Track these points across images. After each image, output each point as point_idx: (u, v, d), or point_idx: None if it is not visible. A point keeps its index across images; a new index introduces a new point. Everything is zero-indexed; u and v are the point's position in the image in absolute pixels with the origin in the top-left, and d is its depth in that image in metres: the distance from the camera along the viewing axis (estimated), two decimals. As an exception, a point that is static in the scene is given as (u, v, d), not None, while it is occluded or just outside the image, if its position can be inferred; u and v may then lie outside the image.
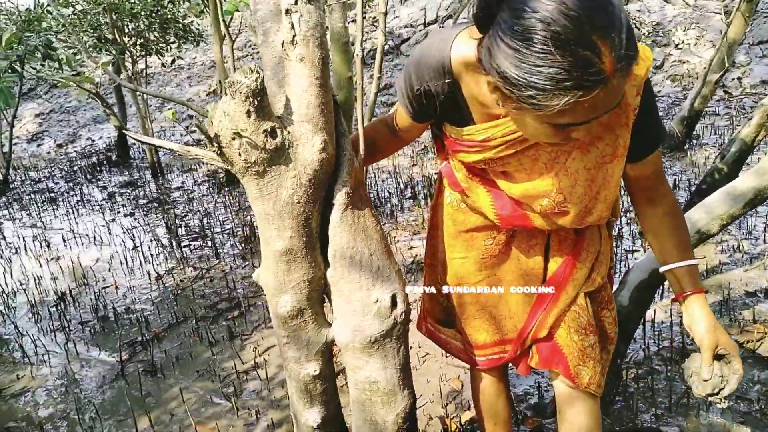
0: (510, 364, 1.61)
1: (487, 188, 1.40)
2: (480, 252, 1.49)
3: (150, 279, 4.02)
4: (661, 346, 2.52)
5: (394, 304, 1.42)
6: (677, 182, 4.45)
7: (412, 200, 4.99)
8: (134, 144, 8.96)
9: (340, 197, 1.39)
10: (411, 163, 6.21)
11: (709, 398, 1.26)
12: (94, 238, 5.07)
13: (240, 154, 1.29)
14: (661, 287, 2.80)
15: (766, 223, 3.58)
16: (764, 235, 3.42)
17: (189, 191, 6.43)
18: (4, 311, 3.71)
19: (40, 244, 5.08)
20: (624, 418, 2.12)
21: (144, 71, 7.33)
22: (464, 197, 1.46)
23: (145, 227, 5.27)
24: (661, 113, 6.51)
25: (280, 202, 1.34)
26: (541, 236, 1.44)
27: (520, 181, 1.31)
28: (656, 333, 2.61)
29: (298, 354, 1.48)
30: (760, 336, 2.47)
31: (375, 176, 5.87)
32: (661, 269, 1.33)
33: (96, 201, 6.50)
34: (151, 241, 4.87)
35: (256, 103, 1.24)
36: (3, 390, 2.81)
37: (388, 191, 5.31)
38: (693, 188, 3.67)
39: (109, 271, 4.25)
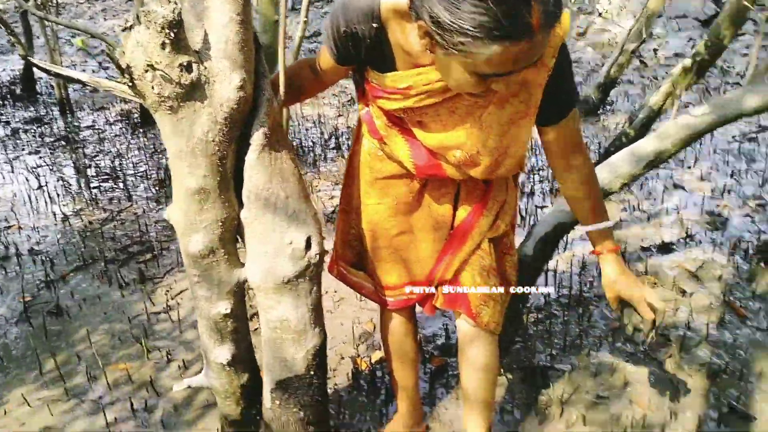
0: (418, 306, 1.69)
1: (404, 137, 1.43)
2: (394, 199, 1.53)
3: (56, 220, 3.83)
4: (560, 294, 2.70)
5: (308, 246, 1.44)
6: (589, 144, 4.68)
7: (335, 150, 4.98)
8: (41, 78, 8.32)
9: (257, 137, 1.38)
10: (337, 113, 6.16)
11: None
12: (-6, 175, 4.74)
13: (153, 88, 1.25)
14: (564, 239, 2.98)
15: (665, 186, 3.84)
16: (662, 196, 3.68)
17: (100, 131, 6.09)
18: None
19: (-68, 179, 4.70)
20: (522, 358, 2.28)
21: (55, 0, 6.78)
22: (382, 145, 1.49)
23: (51, 167, 4.98)
24: (580, 79, 6.77)
25: (194, 139, 1.32)
26: (452, 185, 1.50)
27: (436, 132, 1.35)
28: (557, 281, 2.79)
29: (209, 293, 1.49)
30: (651, 285, 2.69)
31: (299, 125, 5.79)
32: (582, 228, 1.47)
33: (-4, 136, 6.05)
34: (58, 181, 4.61)
35: (172, 35, 1.20)
36: None
37: (312, 141, 5.26)
38: (602, 151, 3.88)
39: (12, 210, 4.01)
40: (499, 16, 0.90)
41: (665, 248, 3.06)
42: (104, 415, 2.08)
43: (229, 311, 1.50)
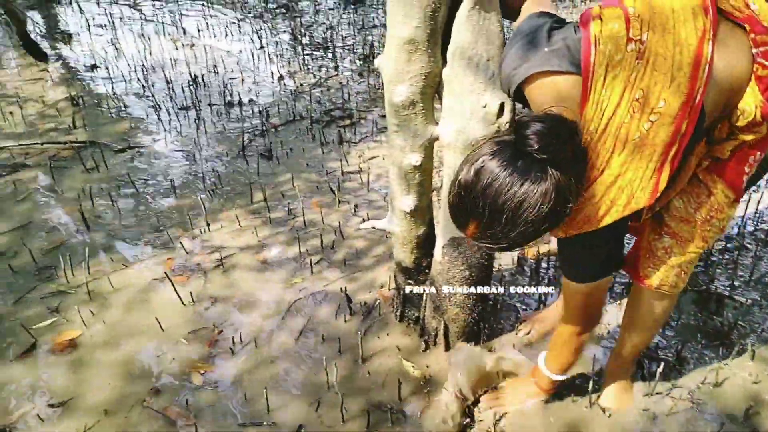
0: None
1: None
2: None
3: (272, 78, 4.23)
4: (758, 227, 2.44)
5: (500, 113, 1.47)
6: None
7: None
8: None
9: (470, -5, 1.40)
10: None
11: None
12: (225, 32, 5.30)
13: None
14: None
15: None
16: None
17: (316, 2, 6.42)
18: (144, 85, 4.10)
19: (176, 28, 5.39)
20: (699, 281, 2.15)
21: None
22: None
23: (272, 30, 5.42)
24: None
25: (412, -12, 1.37)
26: None
27: None
28: (756, 216, 2.52)
29: (403, 143, 1.60)
30: None
31: None
32: None
33: (229, -1, 6.67)
34: (276, 44, 5.03)
35: None
36: (143, 147, 3.21)
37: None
38: None
39: (237, 64, 4.50)
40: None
41: None
42: (298, 243, 2.39)
43: (419, 163, 1.61)
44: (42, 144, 3.23)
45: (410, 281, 1.88)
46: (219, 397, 1.72)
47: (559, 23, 1.26)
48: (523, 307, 2.06)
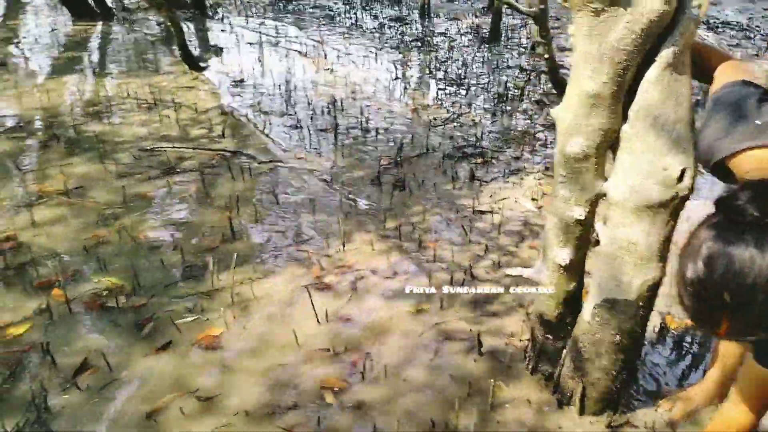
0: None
1: None
2: None
3: (407, 109, 4.33)
4: None
5: (681, 178, 1.41)
6: None
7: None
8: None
9: (665, 55, 1.36)
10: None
11: None
12: (363, 60, 5.50)
13: (585, -11, 1.31)
14: None
15: None
16: None
17: (451, 39, 6.54)
18: (287, 103, 4.33)
19: (318, 53, 5.66)
20: None
21: None
22: None
23: (407, 62, 5.57)
24: None
25: (606, 44, 1.36)
26: None
27: None
28: None
29: (569, 195, 1.57)
30: None
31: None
32: None
33: (368, 28, 6.94)
34: (411, 76, 5.16)
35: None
36: (285, 163, 3.38)
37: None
38: None
39: (373, 92, 4.65)
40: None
41: None
42: (429, 276, 2.40)
43: (583, 217, 1.57)
44: (194, 149, 3.48)
45: (549, 336, 1.83)
46: (350, 422, 1.74)
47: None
48: (666, 382, 1.94)
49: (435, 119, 4.15)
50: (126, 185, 3.01)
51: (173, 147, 3.48)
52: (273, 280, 2.36)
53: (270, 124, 3.95)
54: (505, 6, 4.98)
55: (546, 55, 4.20)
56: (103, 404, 1.76)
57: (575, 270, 1.70)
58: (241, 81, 4.83)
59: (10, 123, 3.82)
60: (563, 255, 1.65)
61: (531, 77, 5.20)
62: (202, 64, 5.11)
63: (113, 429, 1.69)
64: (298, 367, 1.93)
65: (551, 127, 3.92)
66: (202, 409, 1.76)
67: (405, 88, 4.78)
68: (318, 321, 2.12)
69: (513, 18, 7.46)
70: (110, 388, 1.82)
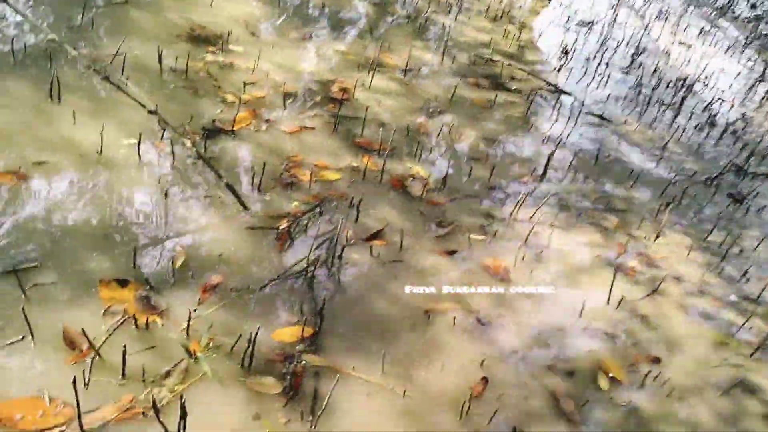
0: None
1: None
2: None
3: (764, 113, 3.67)
4: None
5: None
6: None
7: None
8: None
9: None
10: None
11: None
12: (726, 50, 4.76)
13: None
14: None
15: None
16: None
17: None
18: (632, 64, 3.92)
19: (673, 27, 5.02)
20: None
21: None
22: None
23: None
24: None
25: None
26: None
27: None
28: None
29: None
30: None
31: None
32: None
33: (738, 16, 5.97)
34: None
35: None
36: (613, 122, 3.07)
37: None
38: None
39: (729, 87, 4.01)
40: None
41: None
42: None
43: None
44: (528, 74, 3.32)
45: None
46: (623, 416, 1.56)
47: None
48: None
49: None
50: (457, 85, 2.96)
51: (509, 64, 3.36)
52: (578, 249, 2.15)
53: (608, 76, 3.61)
54: None
55: None
56: (385, 278, 1.78)
57: None
58: (591, 24, 4.50)
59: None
60: None
61: None
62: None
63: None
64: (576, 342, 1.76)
65: None
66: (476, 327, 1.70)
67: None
68: (607, 303, 1.90)
69: None
70: (396, 266, 1.83)
